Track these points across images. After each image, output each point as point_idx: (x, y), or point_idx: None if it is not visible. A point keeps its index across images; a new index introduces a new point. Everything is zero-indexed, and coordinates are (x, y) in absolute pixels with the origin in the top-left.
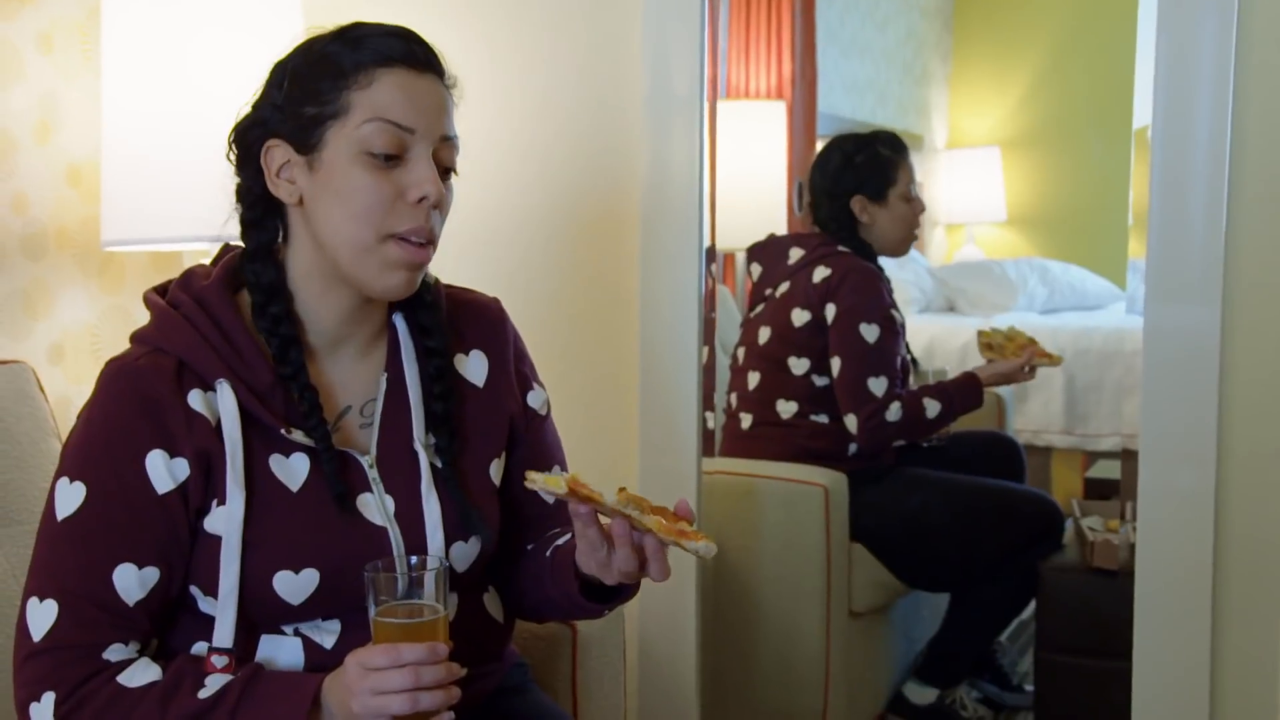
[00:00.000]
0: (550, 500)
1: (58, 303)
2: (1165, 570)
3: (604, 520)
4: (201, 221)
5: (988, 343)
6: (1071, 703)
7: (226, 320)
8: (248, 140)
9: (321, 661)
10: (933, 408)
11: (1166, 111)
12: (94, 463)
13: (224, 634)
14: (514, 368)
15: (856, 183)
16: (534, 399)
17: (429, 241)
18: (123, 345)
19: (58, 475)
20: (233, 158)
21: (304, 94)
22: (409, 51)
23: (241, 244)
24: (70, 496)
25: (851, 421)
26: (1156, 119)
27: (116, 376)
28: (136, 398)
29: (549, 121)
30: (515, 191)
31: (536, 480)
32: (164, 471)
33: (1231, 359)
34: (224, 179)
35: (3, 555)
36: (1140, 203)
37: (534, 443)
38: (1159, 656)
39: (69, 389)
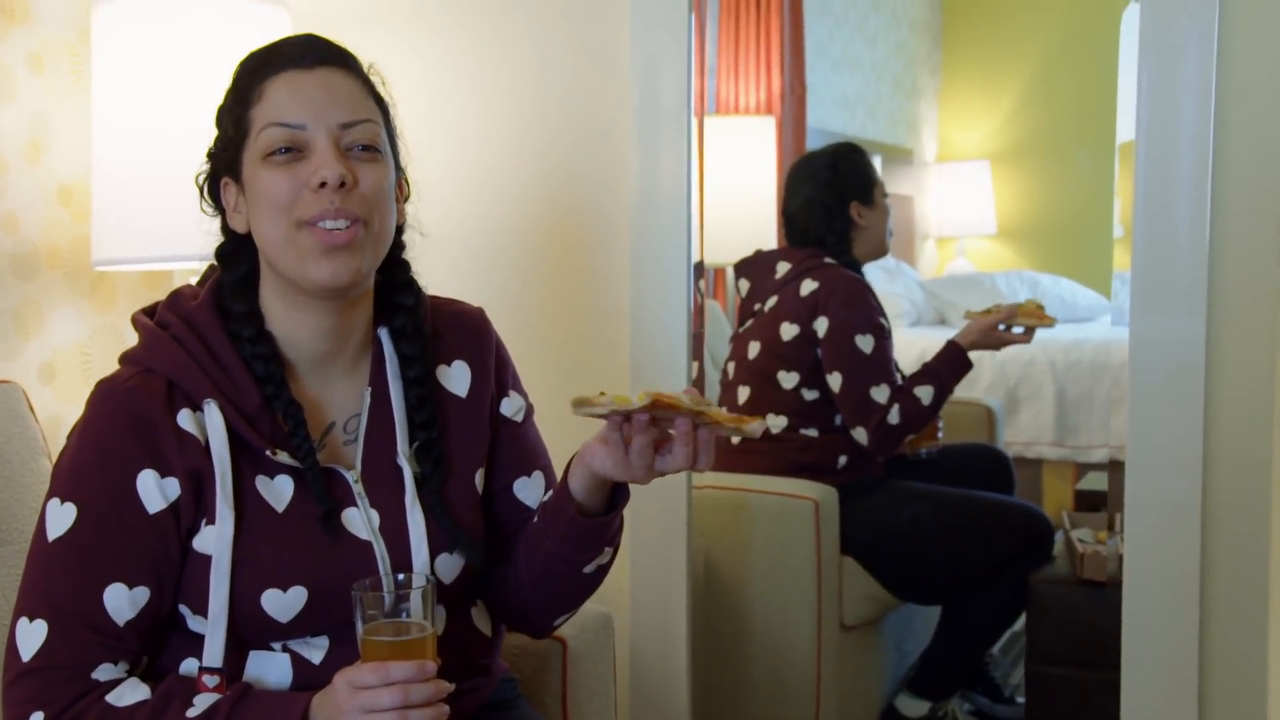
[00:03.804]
0: (596, 413)
1: (48, 322)
2: (1153, 581)
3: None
4: (192, 240)
5: (986, 311)
6: (1062, 714)
7: (215, 341)
8: (209, 187)
9: (310, 678)
10: (925, 393)
11: (1150, 125)
12: (85, 483)
13: (214, 653)
14: (495, 378)
15: (851, 189)
16: (507, 406)
17: (353, 224)
18: (114, 365)
19: (49, 496)
20: (207, 208)
21: (225, 129)
22: (293, 54)
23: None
24: (61, 517)
25: (861, 434)
26: (1140, 133)
27: (106, 397)
28: (127, 418)
29: (538, 136)
30: (505, 205)
31: (604, 396)
32: (155, 491)
33: (1217, 369)
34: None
35: None
36: (1126, 215)
37: (514, 448)
38: (1147, 667)
39: (60, 408)
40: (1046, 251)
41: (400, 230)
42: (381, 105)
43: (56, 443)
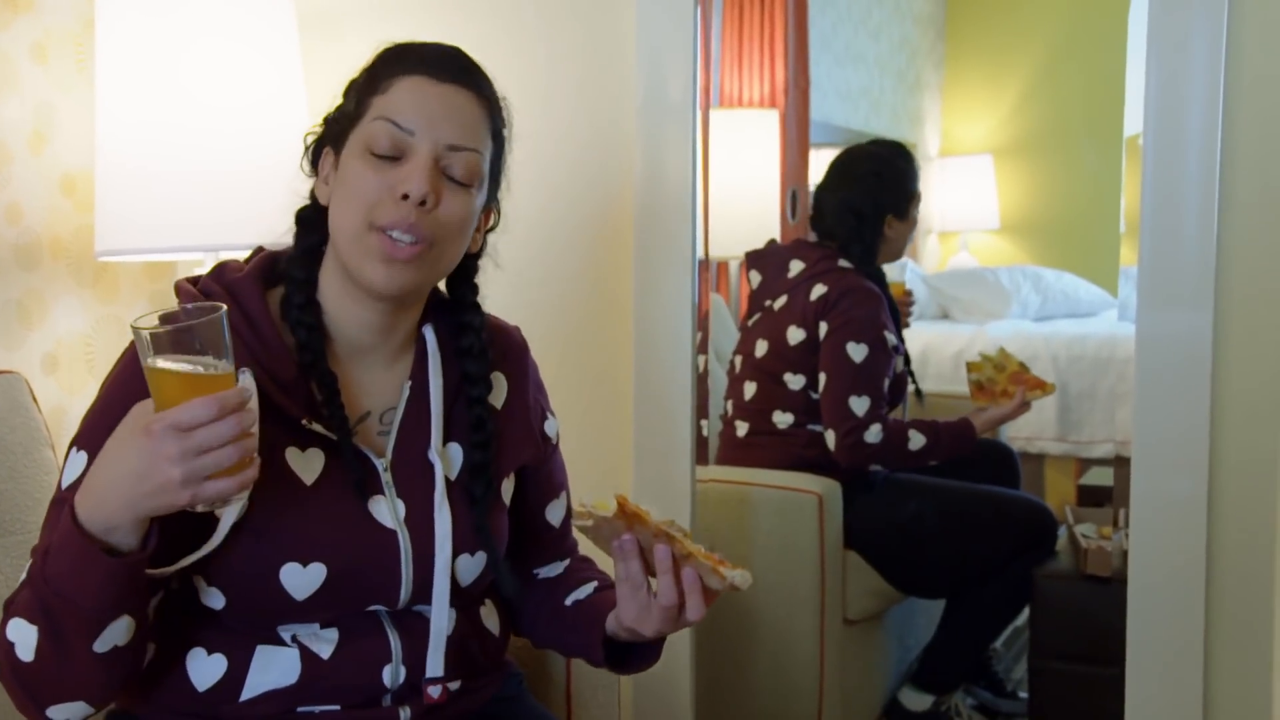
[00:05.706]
0: (585, 526)
1: (51, 313)
2: (1158, 577)
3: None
4: (196, 231)
5: (978, 381)
6: (1066, 709)
7: (255, 311)
8: (314, 151)
9: (317, 673)
10: (917, 440)
11: (1158, 119)
12: (103, 431)
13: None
14: (533, 398)
15: (889, 203)
16: (549, 428)
17: (418, 241)
18: (117, 355)
19: (69, 445)
20: (306, 167)
21: (347, 103)
22: (433, 61)
23: (275, 247)
24: (75, 465)
25: (830, 438)
26: (1148, 126)
27: None
28: None
29: (542, 130)
30: (507, 199)
31: (585, 505)
32: None
33: (1224, 365)
34: (218, 189)
35: None
36: (1132, 210)
37: (549, 472)
38: (1152, 663)
39: (63, 399)
40: (1050, 246)
41: (478, 254)
42: (498, 139)
43: (59, 433)
